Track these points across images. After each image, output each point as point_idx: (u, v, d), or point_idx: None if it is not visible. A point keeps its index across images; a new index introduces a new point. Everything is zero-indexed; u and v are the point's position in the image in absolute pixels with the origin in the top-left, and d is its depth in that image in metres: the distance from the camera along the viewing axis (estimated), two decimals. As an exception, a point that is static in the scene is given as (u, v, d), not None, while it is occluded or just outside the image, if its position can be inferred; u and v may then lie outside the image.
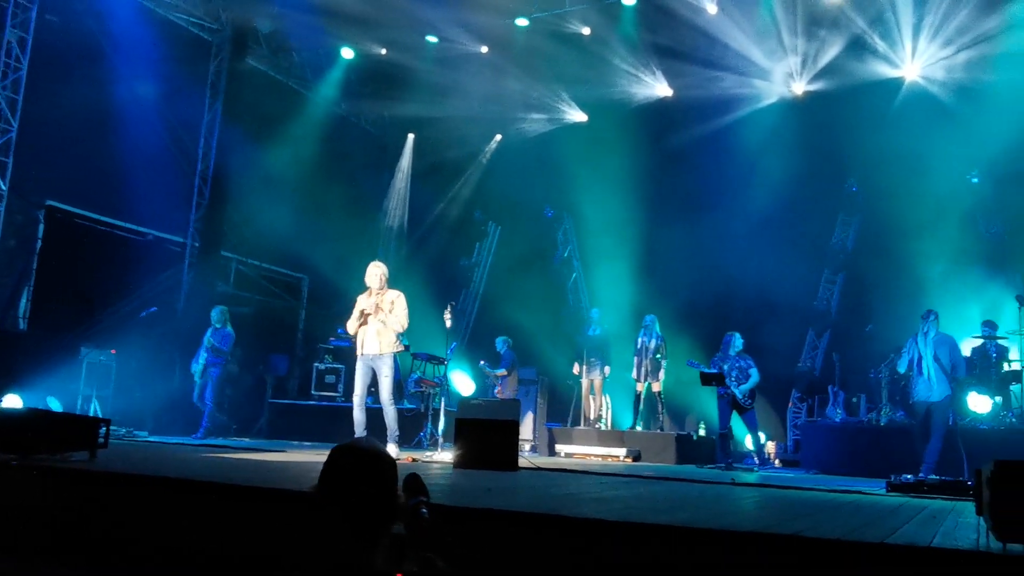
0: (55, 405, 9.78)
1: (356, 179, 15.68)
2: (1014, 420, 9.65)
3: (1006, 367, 10.15)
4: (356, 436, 2.37)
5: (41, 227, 11.51)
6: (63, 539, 4.22)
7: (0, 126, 10.87)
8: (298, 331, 15.71)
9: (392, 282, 8.17)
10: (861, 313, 12.13)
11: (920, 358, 8.89)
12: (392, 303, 7.90)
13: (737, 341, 10.36)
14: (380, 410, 7.95)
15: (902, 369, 9.31)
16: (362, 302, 7.91)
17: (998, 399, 9.87)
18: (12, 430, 5.26)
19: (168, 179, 13.05)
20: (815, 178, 13.08)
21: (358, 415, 7.85)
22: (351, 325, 7.99)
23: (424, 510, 2.31)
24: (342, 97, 15.32)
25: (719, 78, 13.24)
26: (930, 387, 8.80)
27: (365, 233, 16.08)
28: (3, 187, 10.89)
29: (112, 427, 6.03)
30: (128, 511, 4.22)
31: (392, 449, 7.76)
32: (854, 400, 11.69)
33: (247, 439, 11.52)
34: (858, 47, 12.33)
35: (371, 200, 16.47)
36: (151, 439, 9.80)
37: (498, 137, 16.02)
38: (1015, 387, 9.99)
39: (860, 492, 6.24)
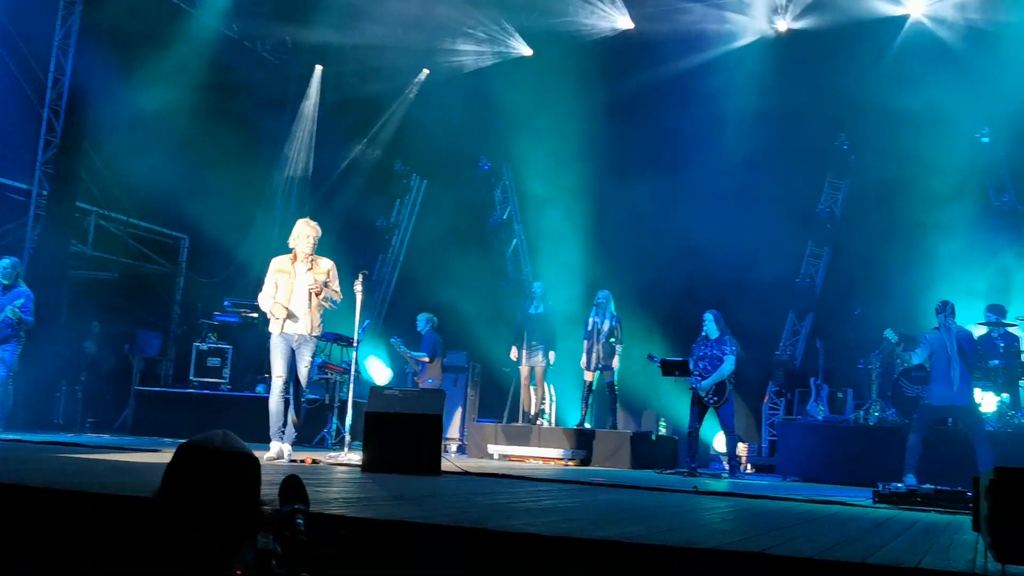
0: None
1: (251, 118, 15.32)
2: (1023, 421, 9.94)
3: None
4: (211, 431, 2.31)
5: None
6: None
7: None
8: (175, 303, 15.39)
9: (280, 250, 8.18)
10: (850, 293, 12.35)
11: (948, 359, 9.05)
12: (328, 274, 7.97)
13: (708, 323, 10.31)
14: (284, 402, 7.93)
15: (917, 360, 9.57)
16: (282, 266, 7.90)
17: (1004, 396, 10.16)
18: None
19: (8, 111, 12.60)
20: (800, 133, 13.29)
21: (277, 404, 7.87)
22: (264, 300, 7.93)
23: (300, 520, 2.28)
24: (235, 16, 14.92)
25: (688, 10, 13.28)
26: (953, 389, 8.99)
27: (261, 184, 15.80)
28: None
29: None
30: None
31: (285, 449, 7.79)
32: (839, 395, 11.97)
33: (106, 435, 11.27)
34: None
35: (269, 144, 16.16)
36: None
37: (425, 72, 15.82)
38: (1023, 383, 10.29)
39: (843, 503, 6.37)
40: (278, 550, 2.14)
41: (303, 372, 7.93)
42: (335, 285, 8.03)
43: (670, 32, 13.57)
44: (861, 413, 11.08)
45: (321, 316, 8.06)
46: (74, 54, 13.12)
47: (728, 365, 10.10)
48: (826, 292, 13.76)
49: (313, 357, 8.09)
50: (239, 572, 2.06)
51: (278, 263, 7.97)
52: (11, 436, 9.12)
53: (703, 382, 10.07)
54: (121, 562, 3.50)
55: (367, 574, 3.21)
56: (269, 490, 2.26)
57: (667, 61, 13.61)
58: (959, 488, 6.51)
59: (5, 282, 10.10)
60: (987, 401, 9.98)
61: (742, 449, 12.22)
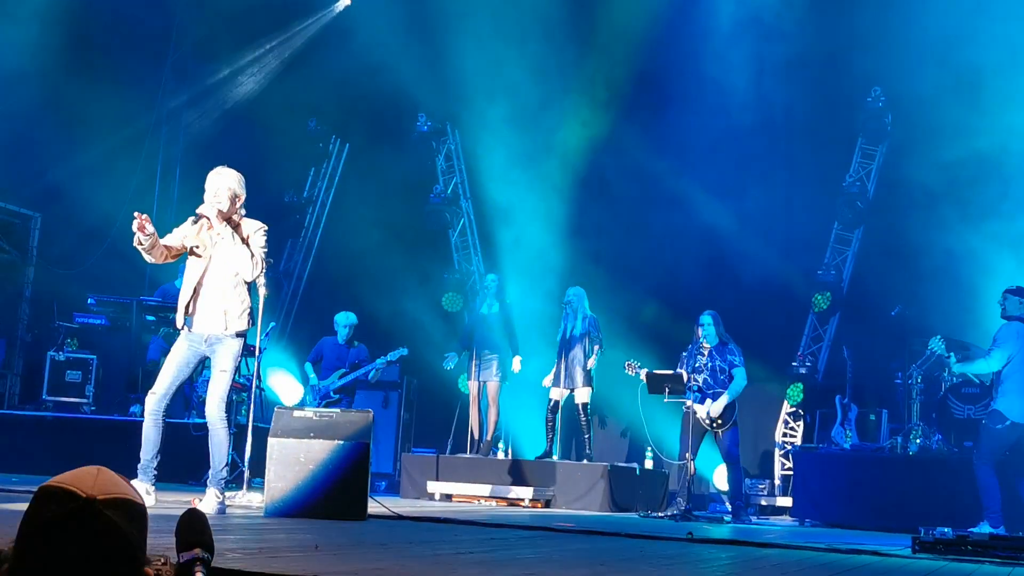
0: None
1: (118, 59, 15.18)
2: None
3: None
4: (81, 468, 2.28)
5: None
6: None
7: None
8: (23, 300, 15.22)
9: (172, 223, 7.65)
10: (886, 289, 12.43)
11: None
12: (248, 238, 7.15)
13: (706, 326, 10.40)
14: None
15: (997, 366, 9.28)
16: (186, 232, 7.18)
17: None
18: None
19: None
20: (825, 85, 13.39)
21: (150, 429, 7.16)
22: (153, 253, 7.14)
23: (200, 570, 2.26)
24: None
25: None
26: None
27: (135, 148, 15.63)
28: None
29: None
30: None
31: (211, 499, 7.18)
32: (872, 417, 12.08)
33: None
34: None
35: (142, 96, 15.98)
36: None
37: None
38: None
39: (876, 552, 6.44)
40: None
41: (219, 383, 7.24)
42: (256, 250, 7.22)
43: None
44: (899, 439, 11.21)
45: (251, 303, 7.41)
46: None
47: (740, 380, 10.20)
48: (855, 287, 13.82)
49: (236, 363, 7.36)
50: None
51: (181, 228, 7.30)
52: None
53: (710, 402, 10.14)
54: None
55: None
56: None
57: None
58: (1021, 533, 6.61)
59: None
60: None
61: (750, 485, 12.32)
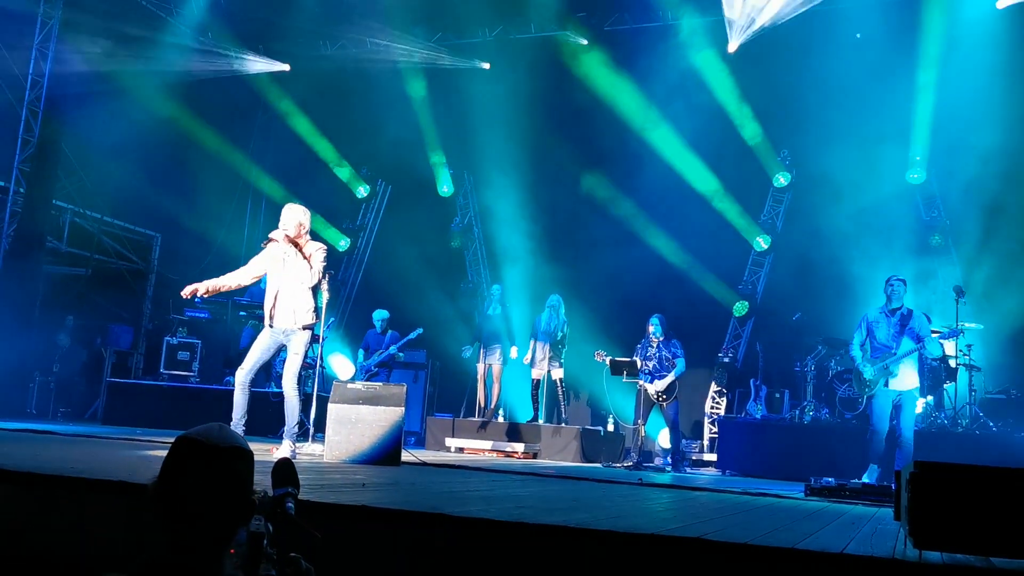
0: None
1: (223, 122, 15.18)
2: (945, 421, 10.13)
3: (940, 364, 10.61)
4: (208, 424, 2.32)
5: None
6: None
7: None
8: (147, 299, 15.23)
9: (252, 250, 7.66)
10: (789, 299, 12.45)
11: None
12: (311, 256, 7.22)
13: (654, 326, 10.46)
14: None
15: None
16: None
17: (930, 399, 10.36)
18: None
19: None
20: (746, 147, 13.44)
21: (239, 396, 7.23)
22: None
23: (290, 503, 2.29)
24: (207, 26, 14.75)
25: (643, 31, 13.38)
26: None
27: (235, 188, 15.64)
28: None
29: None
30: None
31: (285, 448, 7.21)
32: (777, 395, 12.11)
33: (78, 425, 11.12)
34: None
35: (238, 148, 15.99)
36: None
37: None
38: (949, 387, 10.44)
39: (777, 496, 6.48)
40: (270, 530, 2.16)
41: (290, 364, 7.29)
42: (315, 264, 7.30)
43: (623, 48, 13.67)
44: (797, 412, 11.24)
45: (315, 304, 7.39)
46: (53, 57, 12.94)
47: (680, 366, 10.28)
48: (766, 299, 13.86)
49: (305, 349, 7.32)
50: (232, 551, 2.08)
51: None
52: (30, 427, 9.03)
53: (659, 382, 10.20)
54: (123, 547, 3.49)
55: (333, 556, 3.23)
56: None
57: (619, 76, 13.68)
58: (885, 483, 6.65)
59: None
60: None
61: (685, 445, 12.33)
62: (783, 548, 3.11)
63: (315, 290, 7.36)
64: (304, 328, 7.22)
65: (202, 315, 12.98)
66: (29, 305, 12.62)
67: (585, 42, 14.15)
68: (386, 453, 7.15)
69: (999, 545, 3.07)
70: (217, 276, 7.48)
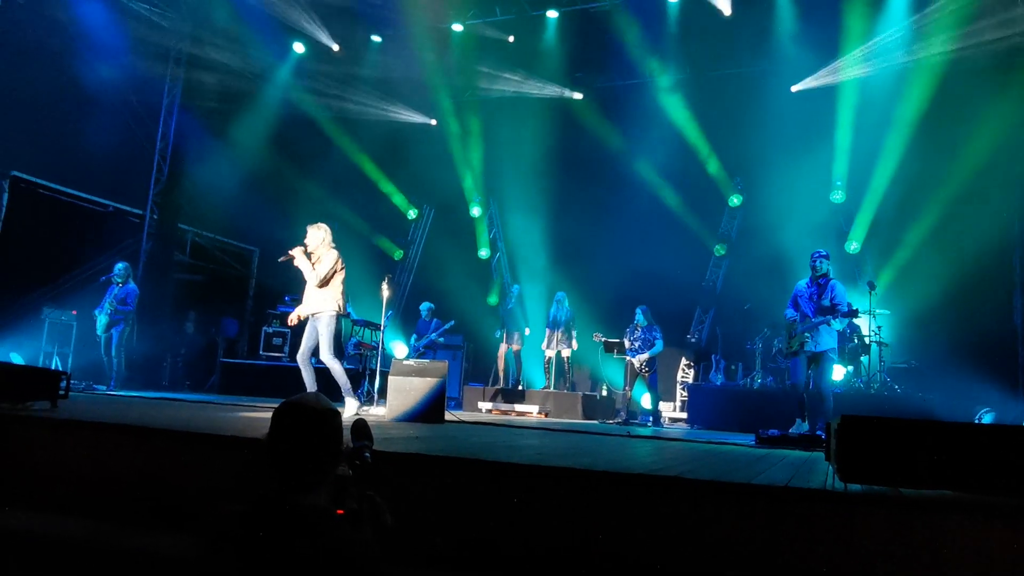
0: (18, 360, 9.36)
1: (305, 161, 15.28)
2: (861, 385, 10.12)
3: (856, 341, 10.60)
4: (307, 392, 2.38)
5: (6, 196, 10.95)
6: (23, 482, 4.08)
7: (-34, 100, 10.26)
8: (248, 298, 15.36)
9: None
10: (742, 293, 12.43)
11: None
12: (317, 262, 7.30)
13: (639, 315, 10.49)
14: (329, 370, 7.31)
15: None
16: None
17: (850, 368, 10.35)
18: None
19: (130, 156, 12.57)
20: (708, 175, 13.43)
21: (303, 372, 7.29)
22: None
23: (367, 453, 2.33)
24: (292, 85, 14.87)
25: (624, 88, 13.39)
26: None
27: (313, 211, 15.70)
28: (-31, 157, 10.30)
29: (72, 381, 5.83)
30: (87, 455, 4.11)
31: (350, 405, 7.19)
32: (733, 368, 12.09)
33: (200, 394, 11.25)
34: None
35: (320, 184, 16.07)
36: (110, 392, 9.48)
37: (432, 122, 15.70)
38: (864, 358, 10.47)
39: (734, 444, 6.47)
40: (351, 474, 2.20)
41: (320, 342, 7.16)
42: (319, 268, 7.30)
43: (609, 99, 13.71)
44: (748, 380, 11.22)
45: (331, 295, 7.27)
46: (177, 112, 13.10)
47: (659, 345, 10.27)
48: (725, 292, 13.81)
49: (328, 328, 7.15)
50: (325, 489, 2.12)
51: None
52: (130, 393, 9.11)
53: (641, 357, 10.20)
54: (244, 486, 3.54)
55: (398, 492, 3.27)
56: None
57: (605, 122, 13.70)
58: (817, 433, 6.62)
59: (119, 281, 10.20)
60: (837, 371, 10.11)
61: (663, 406, 12.32)
62: (741, 483, 3.14)
63: (329, 283, 7.27)
64: (322, 313, 7.20)
65: (290, 310, 13.03)
66: (162, 304, 12.75)
67: (580, 96, 14.17)
68: (432, 413, 7.19)
69: (905, 478, 3.08)
70: (300, 281, 7.59)
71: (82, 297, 11.01)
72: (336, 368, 7.23)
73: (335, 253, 7.39)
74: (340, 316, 7.37)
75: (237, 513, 2.00)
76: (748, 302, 11.94)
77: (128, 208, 12.88)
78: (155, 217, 12.96)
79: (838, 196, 12.69)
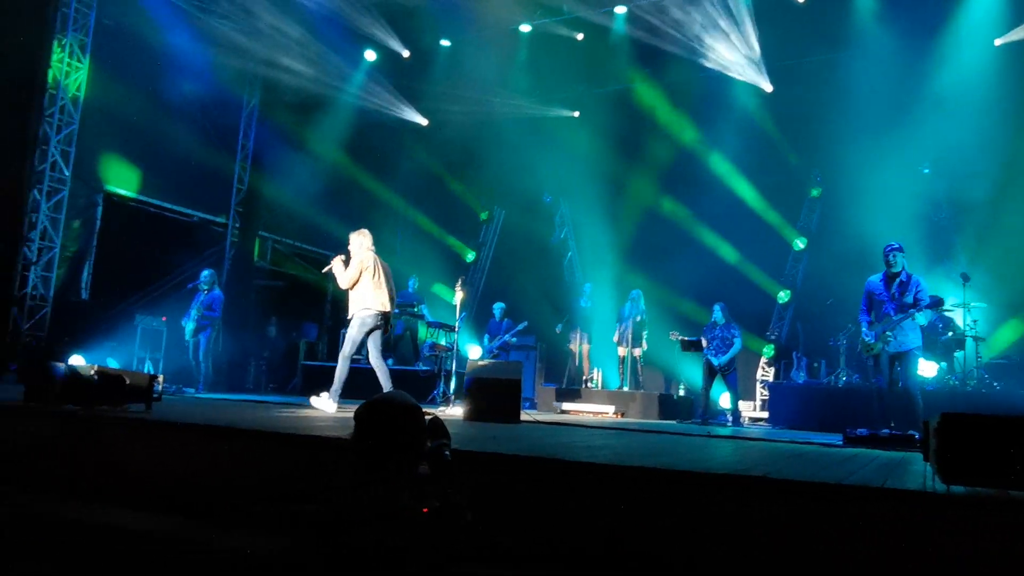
0: (114, 365, 9.82)
1: (379, 166, 15.56)
2: (956, 382, 9.64)
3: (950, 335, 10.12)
4: (391, 391, 2.39)
5: (100, 209, 11.53)
6: (119, 481, 4.25)
7: (64, 119, 10.84)
8: (326, 302, 15.71)
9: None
10: (823, 288, 12.05)
11: None
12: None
13: (716, 312, 10.27)
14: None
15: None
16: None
17: (943, 364, 9.88)
18: (79, 385, 5.30)
19: (212, 167, 13.06)
20: (786, 168, 13.05)
21: (379, 375, 7.44)
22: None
23: (447, 452, 2.32)
24: (366, 93, 15.17)
25: (703, 80, 13.11)
26: None
27: (387, 217, 16.00)
28: (67, 174, 10.87)
29: (164, 384, 6.06)
30: (179, 455, 4.25)
31: (327, 402, 7.23)
32: (815, 365, 11.70)
33: (283, 396, 11.55)
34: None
35: (394, 189, 16.35)
36: (199, 395, 9.84)
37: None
38: (958, 354, 9.98)
39: (820, 444, 6.24)
40: (430, 473, 2.19)
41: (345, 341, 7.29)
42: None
43: (680, 92, 13.43)
44: (832, 378, 10.83)
45: (362, 298, 7.36)
46: (256, 123, 13.54)
47: (738, 344, 10.02)
48: (804, 287, 13.41)
49: (355, 330, 7.31)
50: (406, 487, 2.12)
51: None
52: (217, 396, 9.43)
53: (721, 357, 9.97)
54: (336, 482, 3.61)
55: (477, 492, 3.26)
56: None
57: (676, 116, 13.44)
58: (910, 432, 6.32)
59: (204, 288, 10.57)
60: (930, 368, 9.66)
61: (742, 405, 12.03)
62: (833, 484, 3.00)
63: (357, 285, 7.39)
64: (354, 315, 7.33)
65: (367, 313, 13.27)
66: (245, 309, 13.19)
67: (649, 90, 13.97)
68: (508, 413, 7.16)
69: (1012, 479, 2.89)
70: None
71: (171, 304, 11.48)
72: (340, 367, 7.35)
73: (363, 255, 7.43)
74: (380, 314, 7.41)
75: (322, 512, 2.02)
76: (831, 297, 11.53)
77: (212, 217, 13.38)
78: (237, 226, 13.43)
79: (926, 183, 12.12)
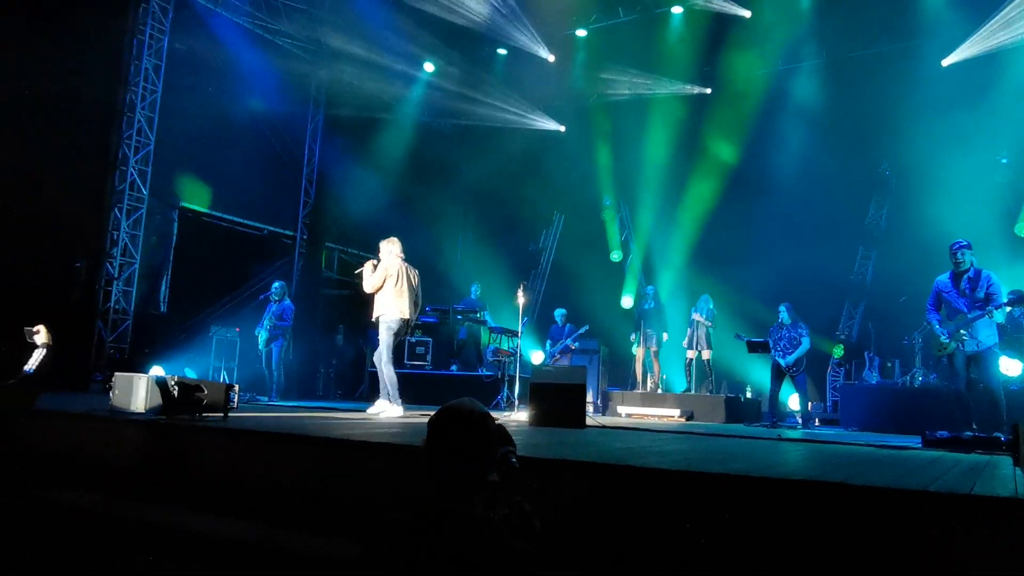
0: (191, 375, 10.13)
1: (437, 180, 15.70)
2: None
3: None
4: (461, 398, 2.39)
5: (176, 225, 11.94)
6: (201, 486, 4.37)
7: (141, 140, 11.28)
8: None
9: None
10: (895, 285, 11.64)
11: None
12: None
13: (782, 313, 10.01)
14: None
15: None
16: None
17: (1028, 362, 9.39)
18: (161, 396, 5.49)
19: (280, 182, 13.42)
20: (853, 162, 12.66)
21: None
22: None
23: (514, 459, 2.30)
24: (425, 104, 15.35)
25: (756, 78, 12.84)
26: None
27: (449, 227, 16.13)
28: (145, 192, 11.30)
29: (239, 393, 6.23)
30: (255, 461, 4.35)
31: (382, 406, 7.34)
32: (888, 365, 11.29)
33: (351, 403, 11.73)
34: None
35: (455, 199, 16.45)
36: (271, 403, 10.07)
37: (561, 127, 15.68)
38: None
39: (897, 447, 6.00)
40: (497, 480, 2.18)
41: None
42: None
43: (741, 91, 13.17)
44: (907, 378, 10.42)
45: (386, 303, 7.43)
46: (321, 141, 13.84)
47: (806, 344, 9.74)
48: (875, 285, 12.99)
49: (384, 335, 7.36)
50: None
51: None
52: (289, 403, 9.64)
53: (788, 358, 9.71)
54: (401, 493, 3.64)
55: (546, 499, 3.24)
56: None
57: (737, 115, 13.18)
58: (995, 435, 6.02)
59: (275, 298, 10.83)
60: (1014, 366, 9.19)
61: (811, 407, 11.68)
62: (918, 490, 2.87)
63: (382, 290, 7.48)
64: (380, 320, 7.42)
65: (431, 319, 13.41)
66: (314, 318, 13.48)
67: (709, 91, 13.75)
68: (574, 418, 7.09)
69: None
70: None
71: (244, 315, 11.80)
72: (386, 373, 7.38)
73: (390, 262, 7.55)
74: (401, 320, 7.49)
75: (397, 520, 2.02)
76: (903, 295, 11.12)
77: (280, 230, 13.72)
78: (304, 237, 13.74)
79: (1005, 173, 11.58)
